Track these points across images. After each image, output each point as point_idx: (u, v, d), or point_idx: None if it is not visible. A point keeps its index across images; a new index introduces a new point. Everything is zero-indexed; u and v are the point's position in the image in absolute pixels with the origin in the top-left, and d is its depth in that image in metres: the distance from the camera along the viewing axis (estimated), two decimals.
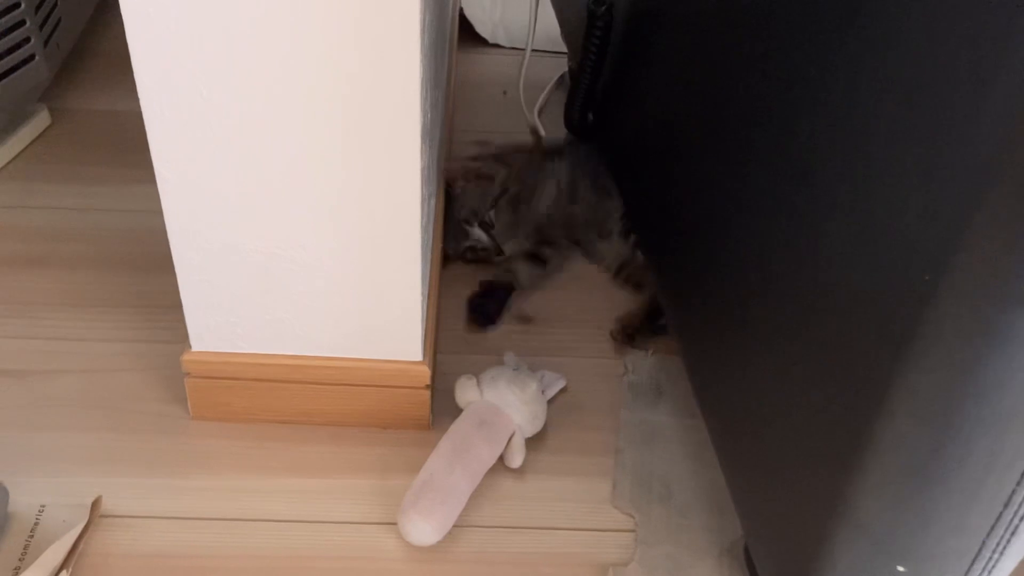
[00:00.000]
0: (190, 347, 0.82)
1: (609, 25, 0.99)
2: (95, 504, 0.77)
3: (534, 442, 0.85)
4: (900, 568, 0.55)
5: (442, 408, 0.86)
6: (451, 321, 0.98)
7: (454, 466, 0.78)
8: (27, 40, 1.11)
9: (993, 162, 0.43)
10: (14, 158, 1.15)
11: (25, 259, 1.02)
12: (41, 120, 1.19)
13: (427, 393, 0.85)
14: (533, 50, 1.25)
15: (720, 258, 0.74)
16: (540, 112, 1.29)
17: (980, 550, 0.53)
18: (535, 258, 1.02)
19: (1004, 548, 0.52)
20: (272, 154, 0.70)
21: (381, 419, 0.86)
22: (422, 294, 0.79)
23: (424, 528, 0.76)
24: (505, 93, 1.33)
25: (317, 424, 0.86)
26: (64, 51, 1.24)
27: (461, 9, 1.42)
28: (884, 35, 0.51)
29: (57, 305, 0.96)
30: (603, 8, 0.98)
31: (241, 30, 0.64)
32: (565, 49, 1.27)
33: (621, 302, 1.02)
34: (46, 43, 1.15)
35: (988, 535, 0.52)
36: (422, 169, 0.72)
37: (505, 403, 0.83)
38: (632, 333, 0.96)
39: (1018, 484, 0.49)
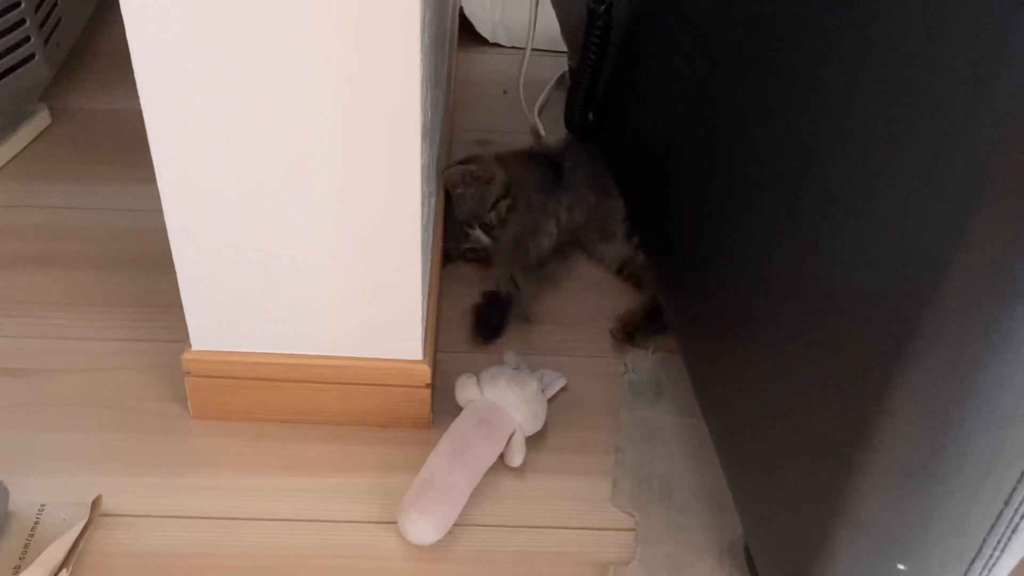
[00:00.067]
0: (190, 346, 0.82)
1: (609, 25, 0.99)
2: (95, 503, 0.77)
3: (534, 441, 0.85)
4: (901, 567, 0.55)
5: (442, 407, 0.86)
6: (451, 321, 0.98)
7: (454, 465, 0.78)
8: (27, 39, 1.11)
9: (993, 162, 0.43)
10: (14, 158, 1.15)
11: (25, 259, 1.02)
12: (41, 119, 1.19)
13: (427, 392, 0.85)
14: (533, 49, 1.25)
15: (720, 257, 0.74)
16: (540, 111, 1.29)
17: (980, 548, 0.53)
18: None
19: (1004, 546, 0.52)
20: (272, 153, 0.70)
21: (381, 418, 0.86)
22: (422, 293, 0.79)
23: (424, 527, 0.76)
24: (505, 92, 1.33)
25: (317, 423, 0.86)
26: (64, 50, 1.24)
27: (461, 8, 1.42)
28: (884, 35, 0.51)
29: (57, 304, 0.96)
30: (603, 8, 0.98)
31: (241, 29, 0.64)
32: (565, 48, 1.27)
33: (621, 301, 1.02)
34: (46, 42, 1.15)
35: (988, 533, 0.52)
36: (422, 168, 0.72)
37: (505, 402, 0.83)
38: (632, 331, 0.96)
39: (1018, 483, 0.49)
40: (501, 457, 0.83)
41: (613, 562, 0.77)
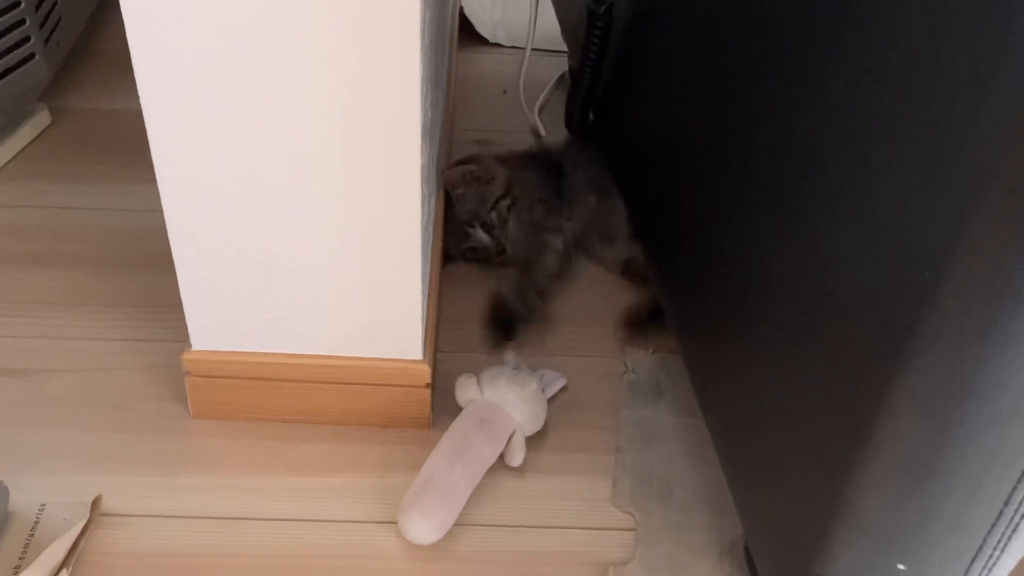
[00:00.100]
0: (190, 346, 0.82)
1: (609, 25, 0.99)
2: (95, 503, 0.77)
3: (534, 441, 0.85)
4: (900, 566, 0.55)
5: (442, 407, 0.86)
6: (451, 320, 0.98)
7: (454, 465, 0.78)
8: (27, 39, 1.11)
9: (993, 162, 0.43)
10: (14, 157, 1.15)
11: (25, 259, 1.02)
12: (41, 119, 1.19)
13: (427, 392, 0.85)
14: (533, 49, 1.25)
15: (720, 257, 0.74)
16: (540, 111, 1.29)
17: (980, 548, 0.53)
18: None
19: (1004, 546, 0.52)
20: (272, 153, 0.70)
21: (381, 418, 0.86)
22: (422, 293, 0.79)
23: (424, 527, 0.76)
24: (505, 92, 1.33)
25: (317, 423, 0.86)
26: (64, 50, 1.24)
27: (461, 8, 1.42)
28: (884, 35, 0.51)
29: (57, 304, 0.96)
30: (603, 8, 0.98)
31: (241, 29, 0.64)
32: (565, 48, 1.27)
33: (621, 301, 1.02)
34: (46, 42, 1.15)
35: (988, 533, 0.52)
36: (422, 168, 0.72)
37: (505, 402, 0.83)
38: (638, 324, 0.96)
39: (1018, 482, 0.49)
40: (501, 457, 0.83)
41: (613, 562, 0.77)
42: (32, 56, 1.12)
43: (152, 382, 0.89)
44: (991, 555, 0.53)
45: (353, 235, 0.75)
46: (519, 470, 0.83)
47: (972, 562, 0.54)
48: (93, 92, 1.26)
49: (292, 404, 0.85)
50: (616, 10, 0.98)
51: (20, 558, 0.74)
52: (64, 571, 0.71)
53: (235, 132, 0.68)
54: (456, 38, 1.40)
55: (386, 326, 0.81)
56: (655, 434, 0.88)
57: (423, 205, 0.76)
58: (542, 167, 1.08)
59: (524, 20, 1.24)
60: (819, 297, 0.58)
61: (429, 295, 0.88)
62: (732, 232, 0.71)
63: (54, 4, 1.18)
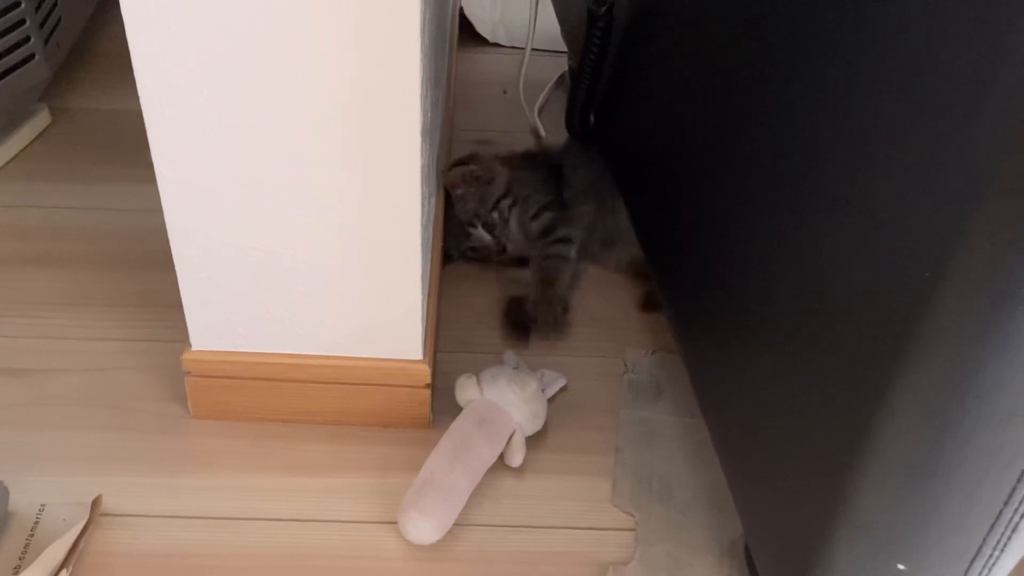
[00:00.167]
0: (190, 346, 0.82)
1: (610, 26, 0.99)
2: (95, 503, 0.77)
3: (534, 441, 0.85)
4: (900, 566, 0.55)
5: (442, 407, 0.86)
6: (451, 320, 0.98)
7: (454, 465, 0.78)
8: (27, 39, 1.11)
9: (993, 162, 0.43)
10: (14, 157, 1.15)
11: (25, 259, 1.02)
12: (41, 119, 1.19)
13: (427, 392, 0.85)
14: (533, 49, 1.25)
15: (720, 257, 0.74)
16: (540, 111, 1.29)
17: (980, 548, 0.53)
18: None
19: (1004, 546, 0.52)
20: (272, 153, 0.70)
21: (381, 418, 0.86)
22: (422, 293, 0.79)
23: (424, 527, 0.76)
24: (505, 92, 1.33)
25: (317, 423, 0.86)
26: (64, 50, 1.24)
27: (461, 8, 1.42)
28: (884, 35, 0.51)
29: (57, 304, 0.96)
30: (603, 8, 0.98)
31: (241, 30, 0.64)
32: (565, 48, 1.27)
33: (621, 301, 1.02)
34: (46, 42, 1.15)
35: (988, 533, 0.52)
36: (422, 168, 0.72)
37: (505, 402, 0.83)
38: (654, 307, 0.99)
39: (1018, 482, 0.49)
40: (501, 457, 0.83)
41: (613, 562, 0.77)
42: (32, 56, 1.13)
43: (152, 382, 0.89)
44: (991, 555, 0.53)
45: (353, 235, 0.75)
46: (519, 470, 0.83)
47: (972, 562, 0.54)
48: (93, 92, 1.26)
49: (292, 404, 0.85)
50: (616, 10, 0.98)
51: (20, 558, 0.74)
52: (64, 571, 0.71)
53: (235, 132, 0.68)
54: (456, 38, 1.40)
55: (386, 326, 0.81)
56: (655, 434, 0.88)
57: (423, 205, 0.76)
58: (542, 167, 1.08)
59: (524, 20, 1.24)
60: (819, 297, 0.58)
61: (429, 295, 0.88)
62: (732, 232, 0.71)
63: (54, 4, 1.18)
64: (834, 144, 0.56)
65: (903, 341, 0.49)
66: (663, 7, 0.90)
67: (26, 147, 1.16)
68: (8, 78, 1.10)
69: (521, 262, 1.04)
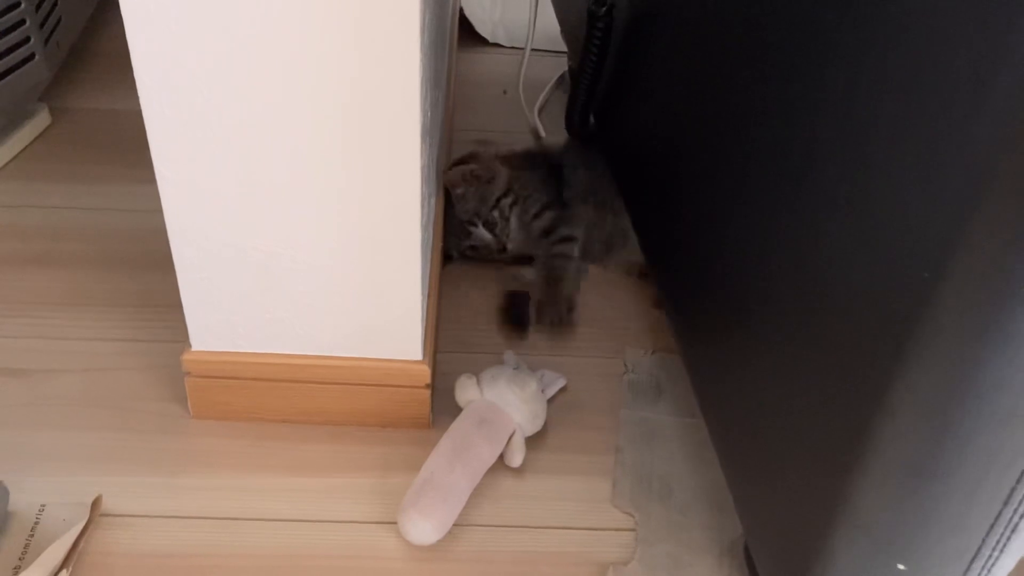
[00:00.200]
0: (190, 346, 0.82)
1: (610, 27, 0.99)
2: (95, 503, 0.77)
3: (534, 441, 0.85)
4: (900, 566, 0.55)
5: (442, 407, 0.86)
6: (451, 320, 0.98)
7: (454, 465, 0.78)
8: (27, 39, 1.11)
9: (993, 162, 0.43)
10: (14, 158, 1.15)
11: (25, 259, 1.02)
12: (41, 120, 1.19)
13: (427, 392, 0.85)
14: (533, 49, 1.25)
15: (720, 257, 0.74)
16: (540, 111, 1.29)
17: (980, 548, 0.53)
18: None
19: (1003, 546, 0.52)
20: (272, 153, 0.70)
21: (381, 418, 0.86)
22: (422, 293, 0.79)
23: (424, 527, 0.76)
24: (505, 92, 1.33)
25: (317, 423, 0.86)
26: (64, 50, 1.24)
27: (461, 9, 1.42)
28: (884, 35, 0.51)
29: (57, 304, 0.96)
30: (603, 9, 0.98)
31: (241, 30, 0.64)
32: (565, 48, 1.27)
33: (621, 301, 1.02)
34: (46, 42, 1.15)
35: (988, 533, 0.52)
36: (422, 168, 0.72)
37: (505, 402, 0.83)
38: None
39: (1017, 482, 0.49)
40: (501, 457, 0.83)
41: (613, 562, 0.77)
42: (32, 56, 1.13)
43: (152, 382, 0.89)
44: (990, 555, 0.53)
45: (353, 235, 0.75)
46: (519, 470, 0.83)
47: (971, 562, 0.54)
48: (93, 92, 1.26)
49: (292, 404, 0.85)
50: (616, 11, 0.98)
51: (20, 558, 0.74)
52: (64, 571, 0.71)
53: (235, 132, 0.68)
54: (456, 38, 1.40)
55: (386, 326, 0.81)
56: (655, 434, 0.88)
57: (423, 205, 0.76)
58: (542, 167, 1.08)
59: (524, 20, 1.24)
60: (819, 297, 0.58)
61: (429, 295, 0.88)
62: (732, 232, 0.71)
63: (54, 4, 1.18)
64: (834, 144, 0.56)
65: (903, 341, 0.49)
66: (663, 8, 0.90)
67: (26, 147, 1.16)
68: (8, 78, 1.10)
69: (520, 261, 1.04)
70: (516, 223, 1.03)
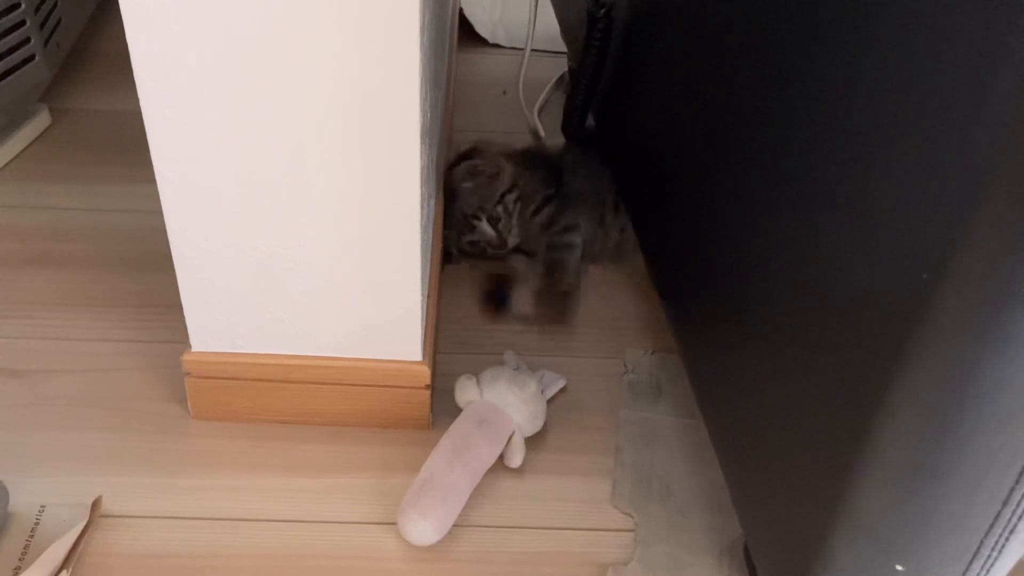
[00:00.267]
0: (190, 347, 0.82)
1: (609, 28, 0.99)
2: (95, 504, 0.77)
3: (534, 441, 0.85)
4: (899, 567, 0.55)
5: (442, 408, 0.86)
6: (451, 320, 0.98)
7: (454, 465, 0.78)
8: (27, 40, 1.11)
9: (993, 162, 0.43)
10: (14, 158, 1.15)
11: (25, 259, 1.02)
12: (41, 120, 1.19)
13: (427, 393, 0.85)
14: (533, 50, 1.25)
15: (720, 258, 0.74)
16: (540, 112, 1.29)
17: (979, 548, 0.53)
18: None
19: (1003, 546, 0.52)
20: (272, 154, 0.70)
21: (381, 419, 0.86)
22: (422, 294, 0.79)
23: (424, 527, 0.76)
24: (505, 93, 1.33)
25: (317, 424, 0.86)
26: (64, 51, 1.24)
27: (461, 9, 1.42)
28: (884, 35, 0.51)
29: (57, 305, 0.96)
30: (603, 11, 0.98)
31: (241, 30, 0.64)
32: (565, 49, 1.27)
33: (621, 301, 1.02)
34: (46, 43, 1.15)
35: (987, 534, 0.52)
36: (422, 169, 0.72)
37: (505, 402, 0.83)
38: None
39: (1016, 483, 0.49)
40: (501, 458, 0.83)
41: (613, 562, 0.77)
42: (32, 57, 1.13)
43: (152, 383, 0.89)
44: (989, 556, 0.53)
45: (353, 235, 0.75)
46: (519, 471, 0.83)
47: (971, 562, 0.54)
48: (93, 92, 1.26)
49: (292, 405, 0.85)
50: (616, 12, 0.98)
51: (20, 559, 0.74)
52: (64, 572, 0.71)
53: (235, 132, 0.68)
54: (456, 38, 1.40)
55: (386, 327, 0.81)
56: (655, 434, 0.88)
57: (423, 206, 0.76)
58: (542, 167, 1.09)
59: (524, 20, 1.24)
60: (819, 297, 0.58)
61: (429, 296, 0.88)
62: (732, 232, 0.71)
63: (54, 5, 1.18)
64: (834, 144, 0.56)
65: (903, 341, 0.49)
66: (663, 8, 0.90)
67: (26, 147, 1.16)
68: (8, 79, 1.10)
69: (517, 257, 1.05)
70: (518, 219, 1.03)
